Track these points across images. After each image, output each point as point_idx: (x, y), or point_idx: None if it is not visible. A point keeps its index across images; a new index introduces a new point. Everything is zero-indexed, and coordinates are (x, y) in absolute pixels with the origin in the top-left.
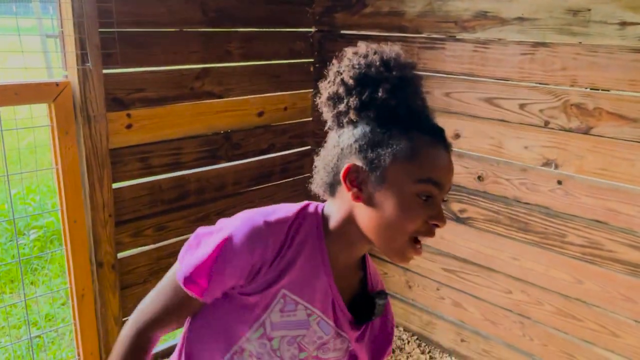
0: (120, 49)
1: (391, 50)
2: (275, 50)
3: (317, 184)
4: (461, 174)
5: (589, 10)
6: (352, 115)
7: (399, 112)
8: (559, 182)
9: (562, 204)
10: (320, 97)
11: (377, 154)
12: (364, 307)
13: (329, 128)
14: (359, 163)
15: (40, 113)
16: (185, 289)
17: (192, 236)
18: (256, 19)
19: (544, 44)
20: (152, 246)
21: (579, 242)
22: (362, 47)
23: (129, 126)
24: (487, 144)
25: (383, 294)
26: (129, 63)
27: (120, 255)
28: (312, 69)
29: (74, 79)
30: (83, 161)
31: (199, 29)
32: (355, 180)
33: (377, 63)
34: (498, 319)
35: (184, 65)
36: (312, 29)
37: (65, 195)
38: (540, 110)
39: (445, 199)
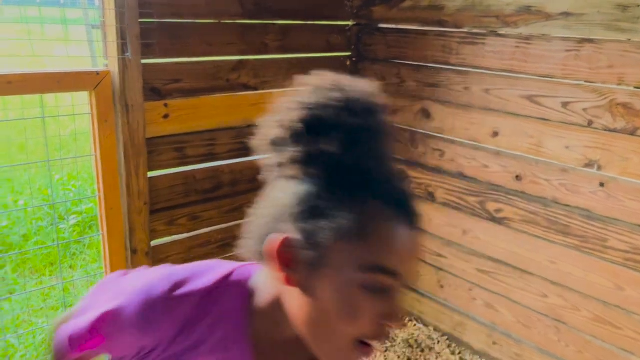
0: (159, 40)
1: (364, 87)
2: (311, 44)
3: (246, 249)
4: (499, 172)
5: (639, 6)
6: (293, 170)
7: (354, 173)
8: (601, 184)
9: (604, 207)
10: (259, 137)
11: (316, 226)
12: None
13: (265, 179)
14: (295, 235)
15: (82, 102)
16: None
17: (98, 284)
18: (294, 12)
19: (590, 41)
20: (185, 235)
21: (621, 247)
22: (327, 78)
23: (165, 116)
24: (526, 142)
25: None
26: (167, 53)
27: (154, 243)
28: (348, 62)
29: (114, 68)
30: (120, 149)
31: (237, 21)
32: (289, 258)
33: (339, 104)
34: (532, 322)
35: (221, 57)
36: (350, 23)
37: (102, 182)
38: (584, 109)
39: (402, 291)
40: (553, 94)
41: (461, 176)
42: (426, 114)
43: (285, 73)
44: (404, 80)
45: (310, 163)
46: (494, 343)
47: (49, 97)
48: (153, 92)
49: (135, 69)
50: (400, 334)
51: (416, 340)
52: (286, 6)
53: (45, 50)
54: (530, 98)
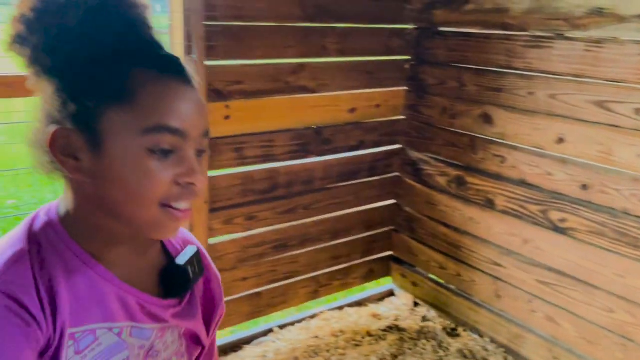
0: (223, 42)
1: None
2: (370, 47)
3: (37, 165)
4: (563, 181)
5: None
6: (42, 60)
7: (102, 44)
8: None
9: None
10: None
11: (81, 105)
12: (177, 278)
13: (31, 84)
14: (67, 125)
15: None
16: None
17: None
18: (354, 15)
19: None
20: (241, 234)
21: None
22: None
23: (226, 117)
24: (594, 150)
25: (191, 256)
26: (230, 56)
27: (211, 241)
28: (407, 66)
29: None
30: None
31: (297, 24)
32: (67, 149)
33: None
34: (596, 338)
35: (281, 60)
36: (410, 26)
37: None
38: None
39: (201, 148)
40: (625, 99)
41: (523, 183)
42: (487, 119)
43: (343, 76)
44: (465, 85)
45: (55, 48)
46: (555, 358)
47: None
48: (215, 94)
49: (199, 70)
50: (454, 344)
51: (471, 351)
52: (346, 10)
53: None
54: (599, 104)
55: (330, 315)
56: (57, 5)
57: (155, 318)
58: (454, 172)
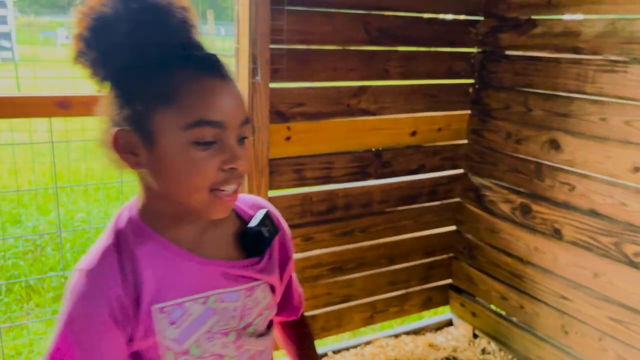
0: (287, 65)
1: None
2: (433, 70)
3: (109, 163)
4: (638, 212)
5: None
6: (100, 72)
7: (146, 51)
8: None
9: None
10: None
11: (134, 109)
12: (252, 240)
13: (98, 94)
14: (125, 126)
15: None
16: None
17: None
18: (417, 39)
19: None
20: (299, 255)
21: None
22: None
23: (287, 138)
24: None
25: (262, 218)
26: (293, 78)
27: None
28: (471, 90)
29: (244, 91)
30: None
31: (361, 48)
32: (127, 147)
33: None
34: None
35: (343, 83)
36: (474, 50)
37: None
38: None
39: (244, 136)
40: None
41: (593, 213)
42: (555, 145)
43: (405, 99)
44: (531, 109)
45: (108, 60)
46: None
47: None
48: (277, 115)
49: (263, 92)
50: None
51: None
52: (410, 33)
53: None
54: None
55: (386, 342)
56: (107, 23)
57: (242, 279)
58: (518, 199)
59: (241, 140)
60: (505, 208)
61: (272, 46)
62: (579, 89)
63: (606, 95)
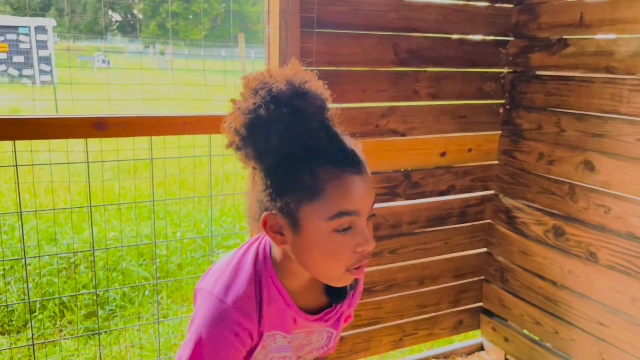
0: None
1: (284, 77)
2: (463, 91)
3: (251, 227)
4: None
5: None
6: (253, 163)
7: (296, 152)
8: None
9: None
10: (226, 142)
11: (285, 201)
12: (336, 292)
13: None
14: (274, 211)
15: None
16: None
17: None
18: (447, 59)
19: None
20: None
21: None
22: (255, 78)
23: None
24: None
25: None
26: None
27: None
28: (501, 110)
29: None
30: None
31: (390, 69)
32: (276, 228)
33: (267, 100)
34: None
35: (372, 104)
36: (505, 70)
37: None
38: None
39: (371, 214)
40: None
41: (631, 237)
42: (589, 167)
43: (435, 120)
44: (564, 130)
45: (263, 156)
46: None
47: (202, 140)
48: None
49: None
50: None
51: None
52: (439, 54)
53: (208, 96)
54: None
55: None
56: (263, 125)
57: (309, 327)
58: (551, 222)
59: (370, 217)
60: (538, 230)
61: (302, 68)
62: (613, 109)
63: None
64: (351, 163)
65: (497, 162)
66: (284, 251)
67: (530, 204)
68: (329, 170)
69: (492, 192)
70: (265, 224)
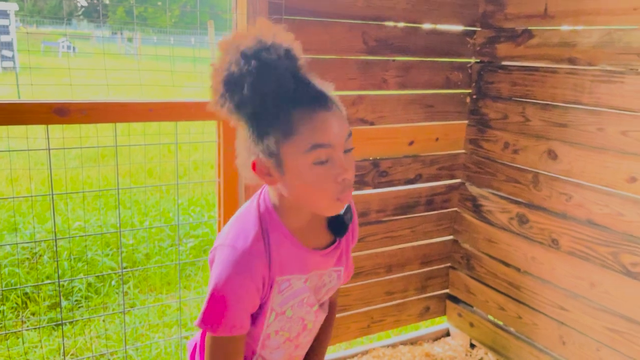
0: None
1: (251, 35)
2: (431, 80)
3: (245, 176)
4: (636, 222)
5: None
6: (234, 115)
7: (269, 100)
8: None
9: None
10: (210, 103)
11: (266, 144)
12: (336, 227)
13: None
14: (260, 155)
15: (202, 137)
16: (214, 334)
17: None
18: (415, 49)
19: None
20: None
21: None
22: (226, 40)
23: None
24: None
25: (346, 209)
26: None
27: None
28: (468, 100)
29: None
30: (242, 177)
31: (358, 57)
32: (264, 170)
33: (237, 58)
34: None
35: (341, 92)
36: (472, 60)
37: (223, 207)
38: None
39: (348, 148)
40: None
41: (591, 223)
42: (552, 155)
43: (403, 109)
44: (529, 119)
45: (240, 108)
46: None
47: (168, 128)
48: None
49: None
50: None
51: None
52: (408, 43)
53: (175, 82)
54: None
55: (382, 352)
56: (236, 80)
57: (321, 266)
58: (515, 209)
59: (347, 151)
60: (503, 218)
61: None
62: (576, 99)
63: (603, 106)
64: (319, 101)
65: (463, 151)
66: (279, 193)
67: (496, 192)
68: (300, 110)
69: (459, 180)
70: (254, 168)
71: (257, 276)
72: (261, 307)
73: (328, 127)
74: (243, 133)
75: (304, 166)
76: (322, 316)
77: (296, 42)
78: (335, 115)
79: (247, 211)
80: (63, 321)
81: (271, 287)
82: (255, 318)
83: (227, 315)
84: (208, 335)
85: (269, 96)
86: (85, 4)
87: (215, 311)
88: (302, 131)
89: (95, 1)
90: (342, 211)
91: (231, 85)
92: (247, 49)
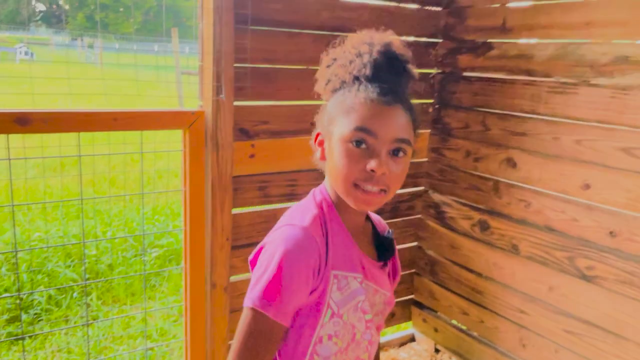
0: (251, 83)
1: (383, 37)
2: None
3: (315, 161)
4: (590, 227)
5: None
6: (324, 92)
7: (346, 80)
8: None
9: None
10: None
11: (329, 117)
12: (385, 246)
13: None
14: (322, 128)
15: (162, 140)
16: (262, 311)
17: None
18: None
19: None
20: None
21: None
22: (359, 36)
23: (252, 156)
24: (622, 197)
25: (391, 233)
26: (258, 96)
27: (232, 278)
28: (431, 109)
29: (208, 108)
30: (208, 185)
31: None
32: (320, 142)
33: (347, 48)
34: None
35: (306, 101)
36: (434, 70)
37: (189, 217)
38: None
39: (397, 150)
40: None
41: (548, 229)
42: (511, 163)
43: None
44: (489, 129)
45: (326, 84)
46: None
47: (133, 137)
48: (242, 133)
49: (227, 110)
50: None
51: None
52: None
53: (139, 91)
54: (627, 150)
55: None
56: (333, 61)
57: (375, 279)
58: (477, 216)
59: (394, 152)
60: (465, 224)
61: (236, 65)
62: (533, 109)
63: (558, 116)
64: (386, 94)
65: (426, 159)
66: (329, 182)
67: (458, 199)
68: (364, 94)
69: (422, 188)
70: (315, 139)
71: (313, 256)
72: (318, 302)
73: (381, 117)
74: (320, 112)
75: (342, 141)
76: (374, 335)
77: (405, 48)
78: (394, 113)
79: (305, 200)
80: (23, 335)
81: (324, 279)
82: (310, 315)
83: (280, 292)
84: (246, 313)
85: (348, 78)
86: (43, 8)
87: (273, 286)
88: (356, 111)
89: (54, 6)
90: (388, 234)
91: (328, 64)
92: (376, 42)
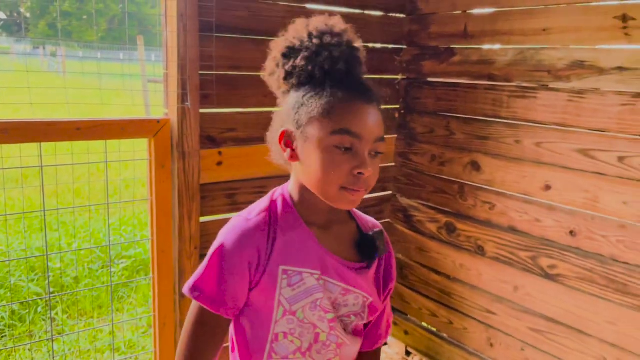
0: (217, 91)
1: (322, 21)
2: None
3: (274, 157)
4: (552, 227)
5: None
6: (281, 86)
7: (315, 75)
8: None
9: None
10: (264, 72)
11: (299, 115)
12: (367, 246)
13: (277, 104)
14: (290, 127)
15: (127, 149)
16: (194, 299)
17: None
18: None
19: None
20: None
21: None
22: (298, 21)
23: (219, 163)
24: (581, 197)
25: (379, 232)
26: (224, 104)
27: None
28: (397, 115)
29: (173, 116)
30: (175, 194)
31: None
32: (289, 142)
33: (302, 35)
34: None
35: (273, 108)
36: (399, 76)
37: (156, 226)
38: None
39: (376, 151)
40: (608, 148)
41: (512, 230)
42: (476, 167)
43: None
44: (453, 133)
45: (288, 77)
46: None
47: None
48: (208, 140)
49: (193, 117)
50: None
51: None
52: None
53: (104, 100)
54: (584, 152)
55: None
56: (293, 52)
57: (342, 278)
58: (444, 219)
59: (375, 154)
60: (432, 227)
61: (201, 72)
62: (495, 113)
63: (519, 119)
64: (364, 92)
65: (393, 164)
66: (299, 183)
67: (425, 203)
68: (342, 93)
69: (390, 192)
70: (281, 138)
71: (250, 248)
72: (267, 298)
73: (363, 119)
74: (283, 108)
75: (325, 146)
76: (342, 337)
77: (359, 40)
78: (374, 112)
79: (266, 196)
80: None
81: (268, 273)
82: (262, 311)
83: (216, 281)
84: (191, 308)
85: (318, 72)
86: (4, 16)
87: (206, 275)
88: (337, 113)
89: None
90: (373, 233)
91: (288, 55)
92: (314, 30)
